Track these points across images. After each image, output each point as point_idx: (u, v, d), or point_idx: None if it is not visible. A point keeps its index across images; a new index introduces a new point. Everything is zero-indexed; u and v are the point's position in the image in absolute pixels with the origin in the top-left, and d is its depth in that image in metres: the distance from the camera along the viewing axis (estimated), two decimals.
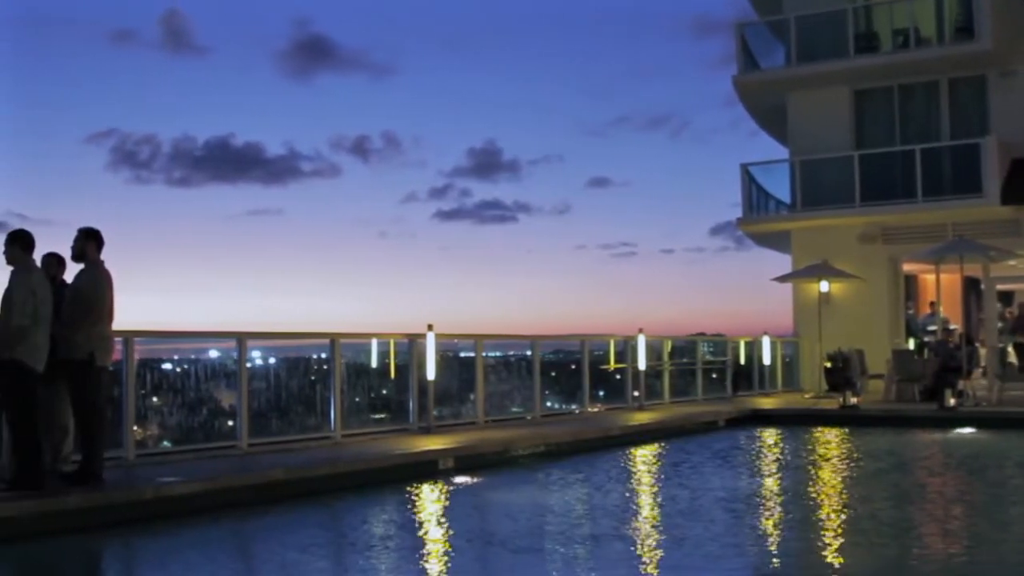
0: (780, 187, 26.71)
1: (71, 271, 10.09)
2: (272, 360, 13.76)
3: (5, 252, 9.17)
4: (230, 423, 12.83)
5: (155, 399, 11.97)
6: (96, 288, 9.68)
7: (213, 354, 13.14)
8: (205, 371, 12.78)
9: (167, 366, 12.63)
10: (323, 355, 14.48)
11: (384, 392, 15.41)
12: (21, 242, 9.21)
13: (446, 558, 7.98)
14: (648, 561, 7.82)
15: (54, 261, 10.01)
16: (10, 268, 9.14)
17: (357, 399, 14.41)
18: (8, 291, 9.05)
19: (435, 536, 8.91)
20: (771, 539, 8.85)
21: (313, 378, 14.41)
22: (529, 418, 17.25)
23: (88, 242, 9.81)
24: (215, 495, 9.84)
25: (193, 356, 13.00)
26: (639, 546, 8.38)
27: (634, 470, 13.74)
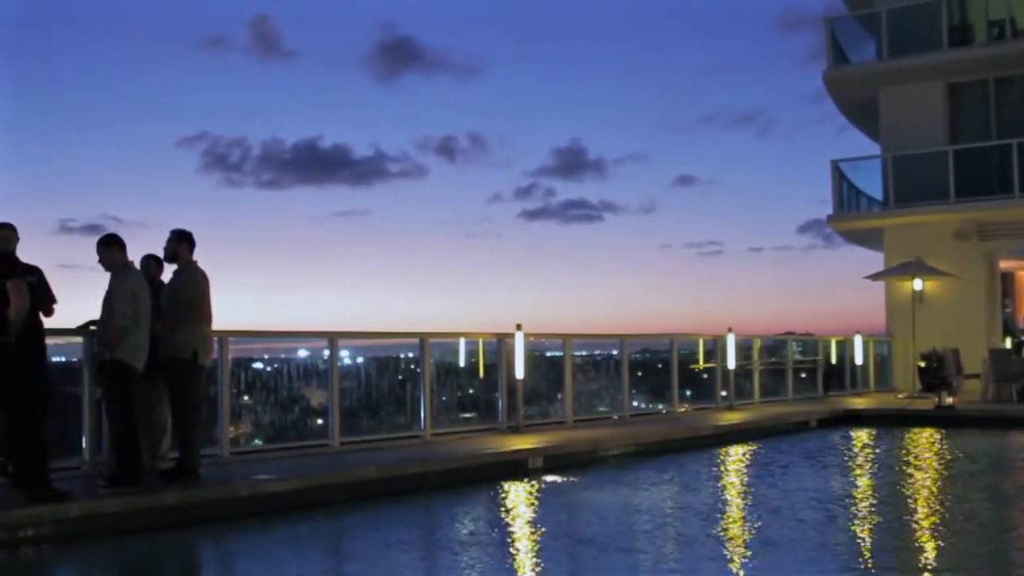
0: (872, 183, 26.26)
1: (166, 272, 10.29)
2: (360, 359, 13.87)
3: (103, 257, 9.35)
4: (319, 421, 12.97)
5: (246, 398, 12.14)
6: (197, 288, 9.85)
7: (302, 353, 13.29)
8: (295, 370, 12.92)
9: (258, 365, 12.79)
10: (411, 354, 14.57)
11: (471, 391, 15.45)
12: (117, 245, 9.39)
13: (537, 557, 7.96)
14: (740, 562, 7.73)
15: (153, 262, 10.21)
16: (109, 271, 9.32)
17: (444, 398, 14.46)
18: (109, 293, 9.24)
19: (526, 535, 8.90)
20: (865, 540, 8.68)
21: (401, 377, 14.50)
22: (616, 418, 17.17)
23: (181, 243, 9.98)
24: (308, 493, 9.96)
25: (283, 355, 13.18)
26: (730, 547, 8.29)
27: (725, 470, 13.60)
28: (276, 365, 12.90)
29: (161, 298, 9.97)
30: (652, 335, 20.23)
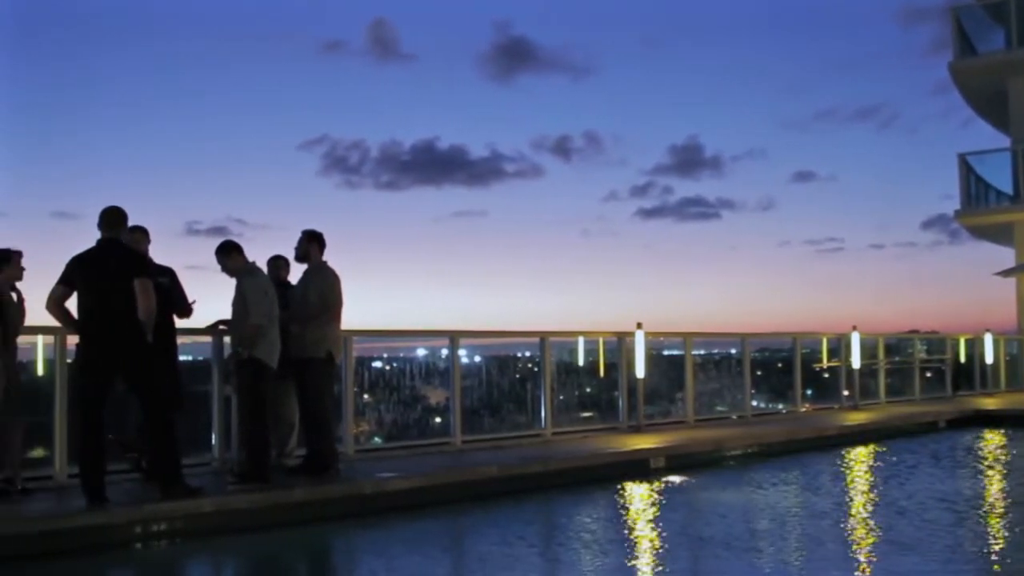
0: (1001, 177, 25.45)
1: (295, 272, 10.42)
2: (477, 358, 13.90)
3: (224, 264, 9.51)
4: (438, 420, 13.04)
5: (366, 396, 12.24)
6: (329, 288, 9.97)
7: (420, 352, 13.36)
8: (414, 369, 13.00)
9: (377, 364, 12.90)
10: (528, 353, 14.57)
11: (588, 390, 15.38)
12: (236, 250, 9.55)
13: (659, 557, 7.86)
14: (867, 564, 7.53)
15: (281, 263, 10.36)
16: (233, 276, 9.48)
17: (561, 397, 14.40)
18: (241, 293, 9.40)
19: (649, 534, 8.80)
20: (999, 543, 8.38)
21: (519, 376, 14.50)
22: (735, 417, 16.93)
23: (312, 244, 10.10)
24: (431, 491, 10.00)
25: (401, 354, 13.28)
26: (858, 549, 8.11)
27: (850, 471, 13.27)
28: (395, 364, 13.00)
29: (292, 297, 10.11)
30: (774, 334, 19.89)
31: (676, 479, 11.82)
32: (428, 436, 12.71)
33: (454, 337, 12.67)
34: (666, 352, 16.70)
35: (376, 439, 12.39)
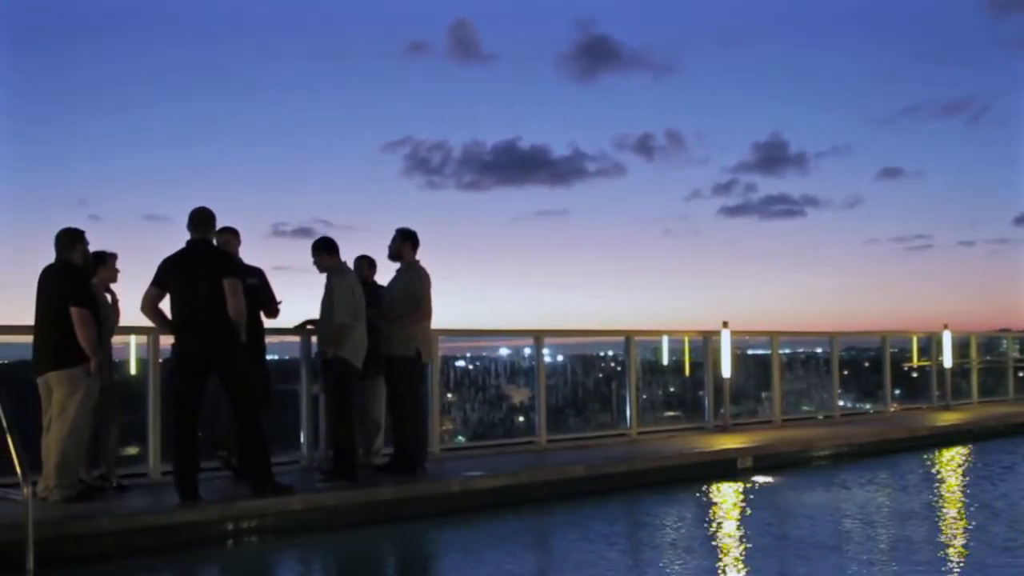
0: None
1: (387, 270, 10.44)
2: (560, 357, 13.86)
3: (316, 260, 9.59)
4: (520, 419, 13.04)
5: (449, 395, 12.27)
6: (420, 287, 9.99)
7: (503, 352, 13.37)
8: (497, 368, 13.01)
9: (460, 363, 12.93)
10: (611, 352, 14.49)
11: (672, 389, 15.26)
12: (328, 248, 9.61)
13: (747, 557, 7.76)
14: (958, 566, 7.40)
15: (365, 263, 10.41)
16: (323, 273, 9.56)
17: (644, 396, 14.30)
18: (329, 292, 9.47)
19: (738, 535, 8.71)
20: None
21: (602, 375, 14.43)
22: (821, 417, 16.69)
23: (405, 243, 10.13)
24: (516, 490, 10.00)
25: (484, 353, 13.29)
26: (949, 550, 7.97)
27: (943, 472, 13.00)
28: (478, 363, 13.03)
29: (384, 296, 10.15)
30: (863, 332, 19.56)
31: (764, 479, 11.69)
32: (512, 435, 12.71)
33: (539, 337, 12.66)
34: (750, 351, 16.52)
35: (459, 437, 12.42)
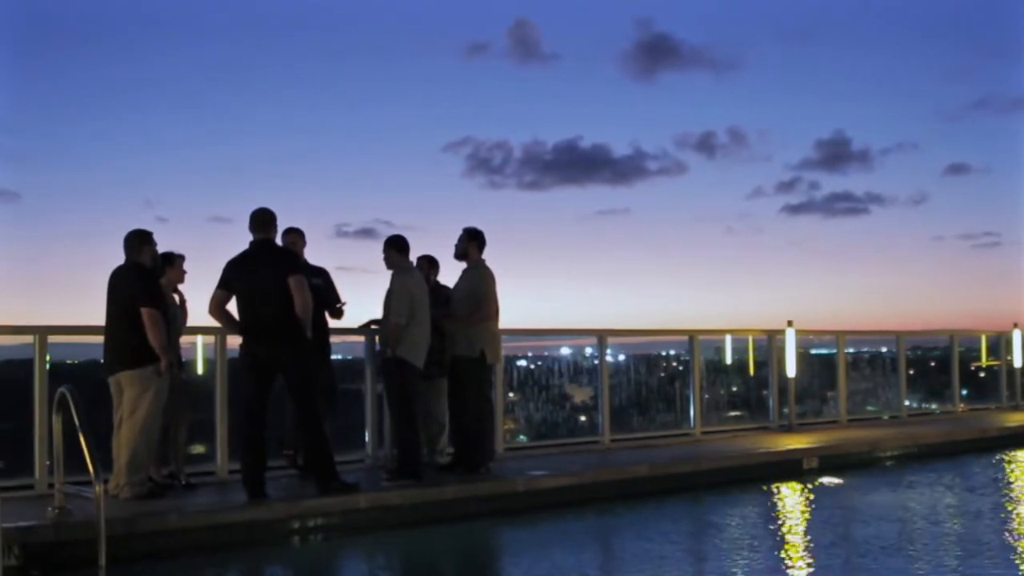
0: None
1: (454, 270, 10.43)
2: (622, 357, 13.81)
3: (386, 256, 9.63)
4: (582, 418, 13.00)
5: (511, 395, 12.27)
6: (485, 287, 9.98)
7: (564, 351, 13.33)
8: (559, 368, 12.98)
9: (522, 363, 12.92)
10: (672, 351, 14.42)
11: (734, 389, 15.15)
12: (396, 246, 9.63)
13: (815, 558, 7.66)
14: None
15: (426, 262, 10.43)
16: (390, 271, 9.60)
17: (707, 395, 14.20)
18: (389, 292, 9.52)
19: (804, 536, 8.62)
20: None
21: (664, 374, 14.36)
22: (886, 417, 16.48)
23: (471, 243, 10.12)
24: (580, 489, 9.98)
25: (545, 353, 13.27)
26: (1020, 553, 7.81)
27: (1013, 473, 12.76)
28: (540, 363, 13.01)
29: (451, 296, 10.17)
30: (931, 331, 19.27)
31: (830, 480, 11.56)
32: (574, 435, 12.69)
33: (603, 336, 12.62)
34: (812, 351, 16.35)
35: (521, 437, 12.42)
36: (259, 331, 8.47)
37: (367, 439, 10.52)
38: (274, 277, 8.40)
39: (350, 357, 11.35)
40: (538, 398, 12.51)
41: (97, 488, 6.99)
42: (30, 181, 31.13)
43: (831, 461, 12.23)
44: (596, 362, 12.71)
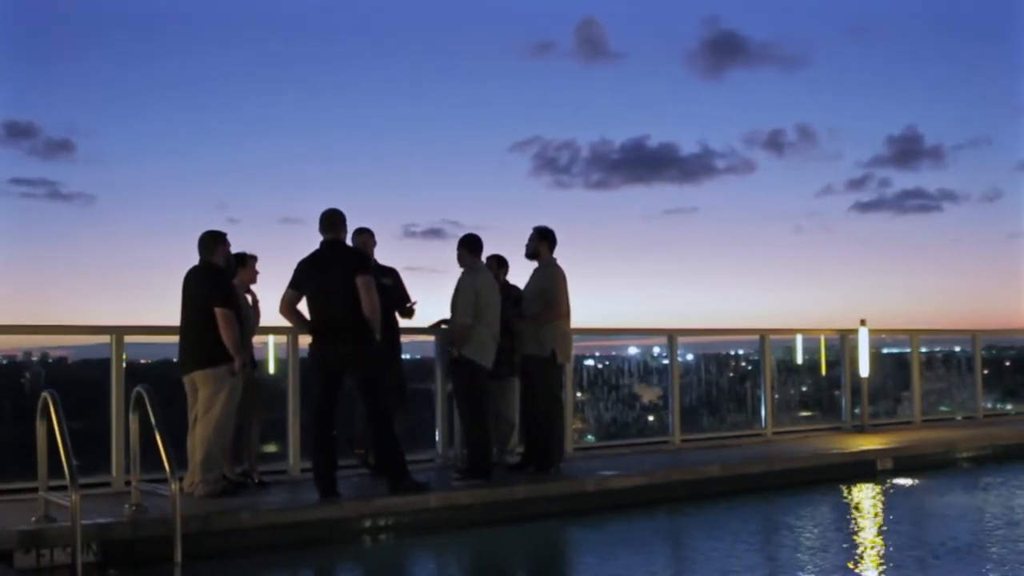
0: None
1: (524, 269, 10.40)
2: (690, 356, 13.70)
3: (459, 255, 9.64)
4: (651, 418, 12.93)
5: (579, 394, 12.23)
6: (555, 286, 9.93)
7: (632, 351, 13.26)
8: (627, 367, 12.92)
9: (589, 362, 12.88)
10: (742, 351, 14.29)
11: (804, 388, 14.97)
12: (468, 246, 9.64)
13: (888, 561, 7.55)
14: None
15: (494, 262, 10.41)
16: (462, 270, 9.62)
17: (777, 396, 14.05)
18: (456, 292, 9.54)
19: (878, 538, 8.50)
20: None
21: (732, 374, 14.23)
22: (959, 418, 16.19)
23: (542, 242, 10.09)
24: (651, 489, 9.92)
25: (613, 352, 13.21)
26: None
27: None
28: (608, 362, 12.96)
29: (523, 295, 10.16)
30: (1007, 330, 18.90)
31: (905, 481, 11.38)
32: (643, 434, 12.62)
33: (673, 335, 12.54)
34: (884, 350, 16.10)
35: (589, 436, 12.38)
36: (328, 331, 8.53)
37: (437, 439, 10.55)
38: (343, 277, 8.45)
39: (420, 357, 11.38)
40: (607, 398, 12.46)
41: (173, 486, 7.09)
42: (106, 183, 31.74)
43: (906, 462, 12.04)
44: (665, 362, 12.63)
